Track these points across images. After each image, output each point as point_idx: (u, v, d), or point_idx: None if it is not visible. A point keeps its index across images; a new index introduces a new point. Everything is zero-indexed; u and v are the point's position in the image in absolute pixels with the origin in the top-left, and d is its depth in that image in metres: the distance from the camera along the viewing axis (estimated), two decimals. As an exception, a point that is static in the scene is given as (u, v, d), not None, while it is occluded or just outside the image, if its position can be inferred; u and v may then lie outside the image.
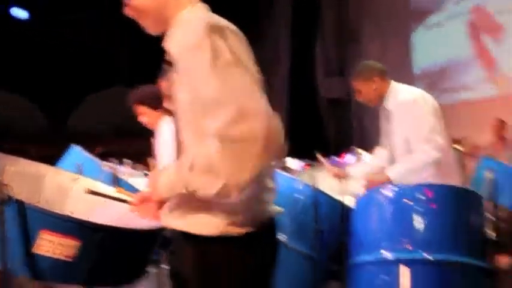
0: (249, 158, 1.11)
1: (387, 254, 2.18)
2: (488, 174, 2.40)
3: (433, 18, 8.09)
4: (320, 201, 2.61)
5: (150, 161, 2.96)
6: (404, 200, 2.23)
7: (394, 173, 2.61)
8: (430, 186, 2.26)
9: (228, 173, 1.13)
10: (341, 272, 2.44)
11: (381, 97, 2.79)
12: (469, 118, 7.40)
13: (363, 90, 2.77)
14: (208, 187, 1.17)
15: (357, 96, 2.85)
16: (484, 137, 6.78)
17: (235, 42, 1.18)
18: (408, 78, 8.34)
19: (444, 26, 7.94)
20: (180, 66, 1.19)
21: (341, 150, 5.29)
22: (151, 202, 1.31)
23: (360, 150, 4.84)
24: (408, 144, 2.69)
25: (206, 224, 1.24)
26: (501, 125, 6.56)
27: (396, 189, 2.27)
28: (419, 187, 2.24)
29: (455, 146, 6.67)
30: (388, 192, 2.27)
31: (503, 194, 2.66)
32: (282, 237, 2.46)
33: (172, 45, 1.23)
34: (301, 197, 2.62)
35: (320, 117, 9.49)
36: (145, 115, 2.78)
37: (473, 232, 2.19)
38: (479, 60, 7.47)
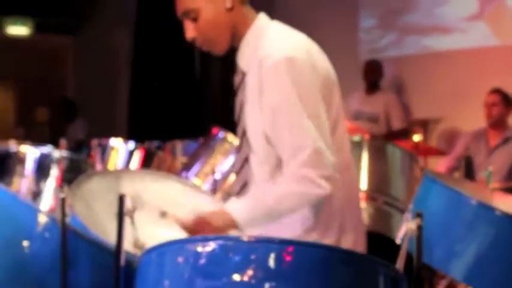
0: None
1: None
2: (411, 225, 2.21)
3: None
4: (78, 254, 2.45)
5: None
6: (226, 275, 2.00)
7: (241, 213, 2.55)
8: (291, 244, 2.05)
9: None
10: None
11: (234, 36, 2.67)
12: (447, 84, 7.43)
13: (205, 9, 2.60)
14: None
15: (188, 30, 2.65)
16: (472, 119, 6.82)
17: None
18: (351, 1, 8.39)
19: None
20: None
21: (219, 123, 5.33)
22: None
23: (229, 137, 4.68)
24: (268, 142, 2.62)
25: None
26: (497, 99, 6.51)
27: (217, 243, 2.06)
28: (269, 245, 2.03)
29: (416, 135, 6.83)
30: (198, 248, 2.05)
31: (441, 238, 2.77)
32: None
33: None
34: (36, 244, 2.47)
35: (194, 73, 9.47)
36: None
37: None
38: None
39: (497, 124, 6.49)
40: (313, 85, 2.54)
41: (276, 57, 2.49)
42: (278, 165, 2.61)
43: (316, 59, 2.59)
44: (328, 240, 2.58)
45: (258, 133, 2.61)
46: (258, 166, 2.65)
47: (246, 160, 2.67)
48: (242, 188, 2.70)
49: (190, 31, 2.60)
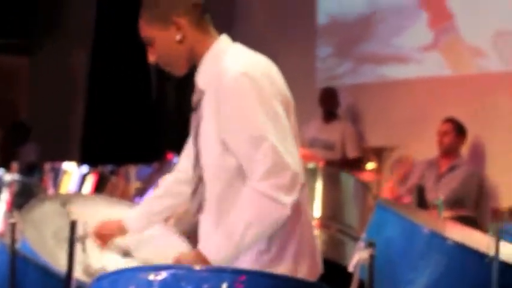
0: None
1: None
2: (363, 254, 2.23)
3: None
4: (27, 281, 2.48)
5: None
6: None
7: (218, 250, 2.49)
8: (243, 273, 2.09)
9: None
10: None
11: (192, 59, 2.72)
12: (403, 112, 7.49)
13: (158, 39, 2.70)
14: None
15: (149, 54, 2.76)
16: (427, 148, 6.87)
17: None
18: (308, 30, 8.45)
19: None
20: None
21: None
22: None
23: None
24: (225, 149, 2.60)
25: None
26: (450, 128, 6.59)
27: (169, 273, 2.07)
28: (221, 275, 2.07)
29: (370, 164, 6.88)
30: (150, 276, 2.07)
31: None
32: None
33: None
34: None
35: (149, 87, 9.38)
36: None
37: None
38: (424, 10, 7.51)
39: (448, 153, 6.54)
40: (273, 96, 2.55)
41: (234, 71, 2.52)
42: (238, 174, 2.59)
43: (275, 78, 2.62)
44: (284, 264, 2.55)
45: (212, 143, 2.60)
46: (209, 183, 2.63)
47: (200, 180, 2.66)
48: (198, 209, 2.67)
49: (150, 55, 2.69)
